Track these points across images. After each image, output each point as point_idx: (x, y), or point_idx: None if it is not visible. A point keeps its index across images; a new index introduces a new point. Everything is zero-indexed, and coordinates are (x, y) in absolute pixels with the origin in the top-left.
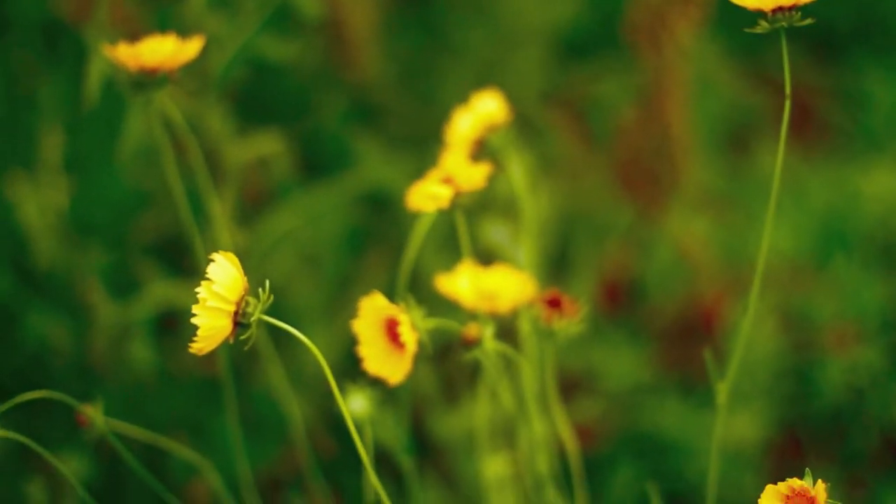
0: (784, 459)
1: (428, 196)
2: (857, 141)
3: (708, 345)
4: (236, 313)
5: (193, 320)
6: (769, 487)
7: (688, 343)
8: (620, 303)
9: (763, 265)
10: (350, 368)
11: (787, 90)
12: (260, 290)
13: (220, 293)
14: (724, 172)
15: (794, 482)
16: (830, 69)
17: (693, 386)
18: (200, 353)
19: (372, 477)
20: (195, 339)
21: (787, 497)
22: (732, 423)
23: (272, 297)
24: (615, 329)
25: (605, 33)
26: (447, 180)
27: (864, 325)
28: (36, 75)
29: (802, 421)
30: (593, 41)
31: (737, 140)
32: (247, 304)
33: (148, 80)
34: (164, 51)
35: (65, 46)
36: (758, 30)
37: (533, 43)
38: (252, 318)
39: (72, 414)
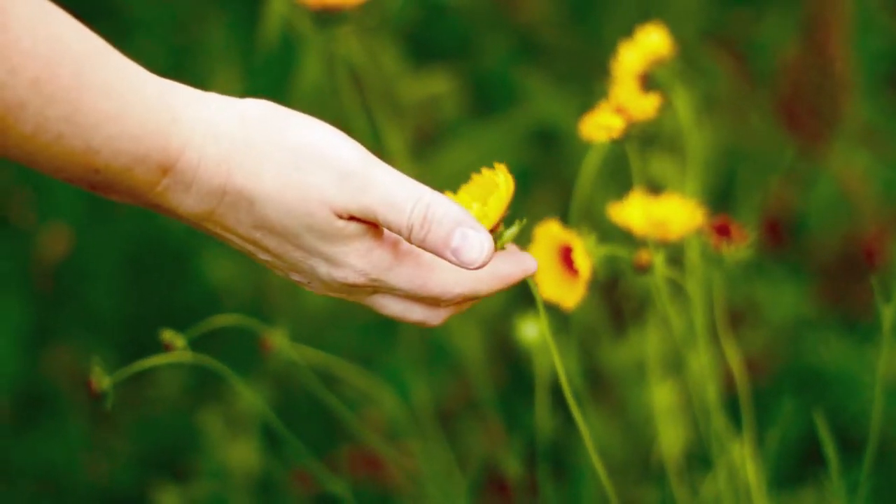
0: None
1: (601, 126)
2: None
3: (870, 279)
4: None
5: None
6: None
7: (849, 278)
8: (782, 238)
9: None
10: (515, 301)
11: None
12: None
13: None
14: (884, 109)
15: None
16: None
17: (854, 321)
18: None
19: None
20: None
21: None
22: (892, 357)
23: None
24: (777, 264)
25: None
26: (618, 111)
27: None
28: (203, 20)
29: None
30: None
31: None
32: None
33: (330, 18)
34: None
35: None
36: None
37: None
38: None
39: (243, 349)
